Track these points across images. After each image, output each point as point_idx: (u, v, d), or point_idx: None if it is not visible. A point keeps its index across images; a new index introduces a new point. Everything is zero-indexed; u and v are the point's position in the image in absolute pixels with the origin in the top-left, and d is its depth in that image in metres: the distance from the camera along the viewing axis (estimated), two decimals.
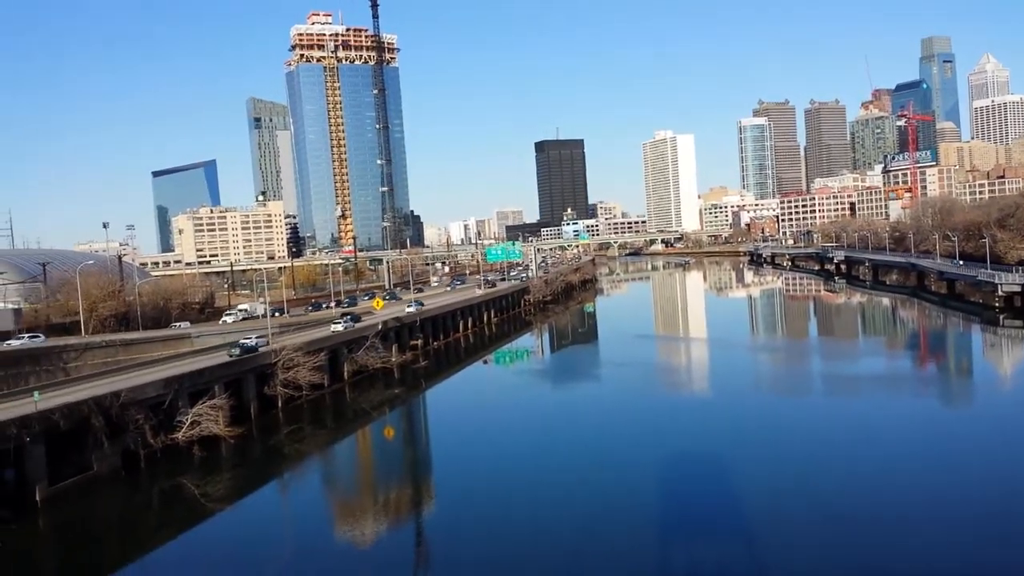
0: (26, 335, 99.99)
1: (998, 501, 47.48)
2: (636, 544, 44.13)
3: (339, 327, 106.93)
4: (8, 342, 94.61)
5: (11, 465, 54.40)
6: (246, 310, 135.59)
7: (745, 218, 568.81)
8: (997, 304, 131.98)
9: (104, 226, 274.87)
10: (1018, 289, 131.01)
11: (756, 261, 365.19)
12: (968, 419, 72.90)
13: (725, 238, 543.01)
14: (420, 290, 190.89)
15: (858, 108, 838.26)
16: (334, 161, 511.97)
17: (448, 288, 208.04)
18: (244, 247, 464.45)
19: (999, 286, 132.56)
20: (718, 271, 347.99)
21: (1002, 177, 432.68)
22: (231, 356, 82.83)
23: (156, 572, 46.42)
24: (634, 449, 64.09)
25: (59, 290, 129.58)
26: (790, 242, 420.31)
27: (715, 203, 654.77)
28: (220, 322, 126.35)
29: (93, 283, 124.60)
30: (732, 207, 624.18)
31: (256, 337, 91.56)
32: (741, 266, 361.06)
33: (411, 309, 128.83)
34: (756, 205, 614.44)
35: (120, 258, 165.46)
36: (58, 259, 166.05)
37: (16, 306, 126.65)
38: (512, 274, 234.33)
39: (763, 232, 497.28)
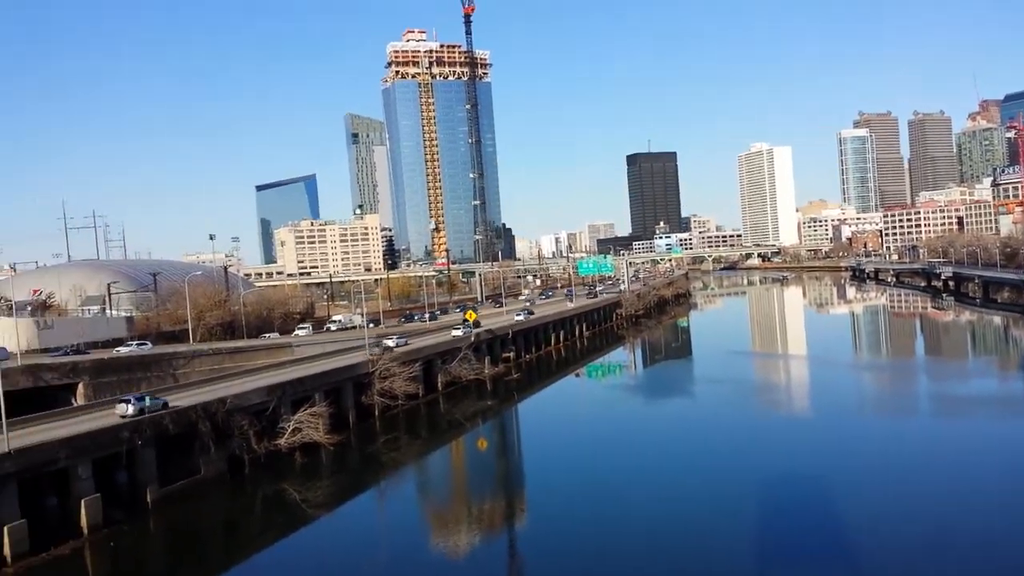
0: (134, 342, 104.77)
1: None
2: (728, 568, 43.03)
3: (458, 332, 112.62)
4: (118, 349, 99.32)
5: (124, 468, 56.98)
6: (340, 320, 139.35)
7: (846, 232, 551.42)
8: None
9: (211, 238, 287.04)
10: None
11: (858, 276, 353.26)
12: None
13: (825, 253, 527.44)
14: (498, 303, 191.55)
15: (964, 119, 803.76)
16: (428, 175, 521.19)
17: (539, 300, 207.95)
18: (342, 259, 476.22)
19: None
20: (818, 286, 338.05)
21: None
22: (372, 354, 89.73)
23: (258, 573, 47.73)
24: (728, 470, 62.54)
25: (168, 299, 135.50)
26: (894, 257, 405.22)
27: (814, 217, 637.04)
28: (324, 329, 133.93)
29: (200, 293, 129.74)
30: (832, 221, 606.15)
31: (396, 339, 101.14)
32: (842, 281, 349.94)
33: (520, 318, 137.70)
34: (858, 219, 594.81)
35: (226, 269, 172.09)
36: (168, 269, 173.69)
37: (128, 314, 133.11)
38: (599, 288, 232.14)
39: (865, 247, 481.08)
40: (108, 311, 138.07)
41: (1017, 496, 52.04)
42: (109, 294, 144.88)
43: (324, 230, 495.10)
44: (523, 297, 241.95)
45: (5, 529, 46.03)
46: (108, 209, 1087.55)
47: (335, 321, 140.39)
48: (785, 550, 45.31)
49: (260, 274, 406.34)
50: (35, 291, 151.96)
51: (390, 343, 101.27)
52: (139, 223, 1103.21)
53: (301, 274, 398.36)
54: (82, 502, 50.99)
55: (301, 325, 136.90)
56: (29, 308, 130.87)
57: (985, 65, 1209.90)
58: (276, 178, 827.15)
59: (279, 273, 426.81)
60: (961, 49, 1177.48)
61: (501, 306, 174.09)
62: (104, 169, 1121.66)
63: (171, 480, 59.66)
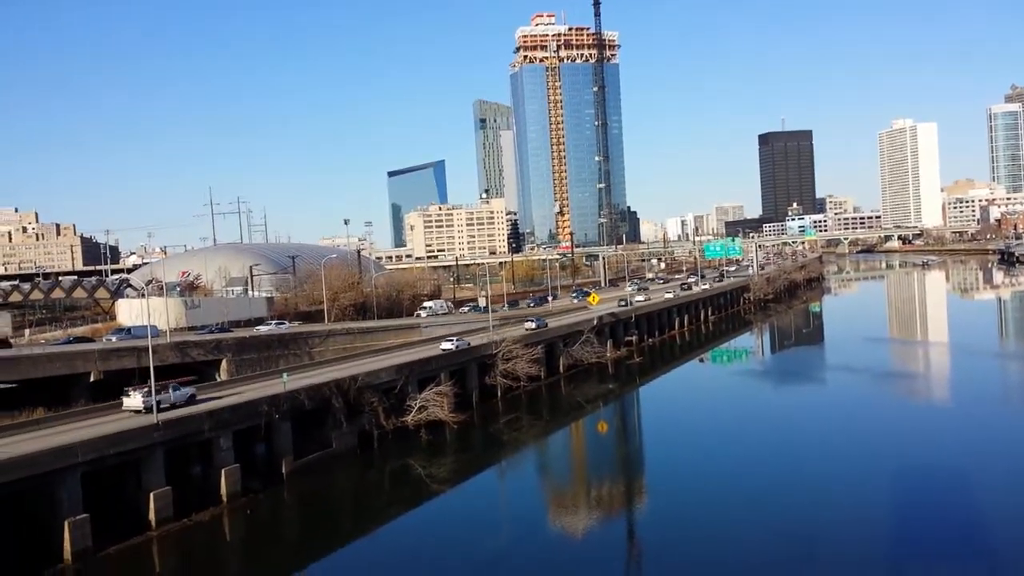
0: (274, 322, 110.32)
1: None
2: (851, 561, 41.92)
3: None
4: (258, 328, 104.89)
5: (262, 440, 60.59)
6: (431, 308, 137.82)
7: (995, 213, 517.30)
8: None
9: (345, 223, 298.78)
10: None
11: (1007, 260, 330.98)
12: None
13: (971, 235, 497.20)
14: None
15: None
16: (553, 159, 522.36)
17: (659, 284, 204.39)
18: (468, 242, 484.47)
19: None
20: (963, 270, 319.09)
21: None
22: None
23: (385, 545, 49.96)
24: (856, 460, 60.62)
25: (306, 281, 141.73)
26: None
27: (960, 197, 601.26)
28: (415, 315, 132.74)
29: (335, 275, 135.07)
30: (980, 201, 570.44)
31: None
32: (989, 265, 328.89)
33: (670, 296, 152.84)
34: (1008, 199, 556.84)
35: (359, 252, 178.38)
36: (305, 252, 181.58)
37: (269, 295, 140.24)
38: (713, 275, 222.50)
39: (1015, 228, 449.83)
40: (250, 292, 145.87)
41: None
42: (251, 276, 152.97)
43: (451, 214, 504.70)
44: (648, 278, 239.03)
45: (151, 495, 49.85)
46: (252, 195, 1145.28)
47: (425, 308, 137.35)
48: (912, 546, 43.78)
49: (390, 257, 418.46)
50: (183, 273, 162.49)
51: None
52: (280, 208, 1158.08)
53: (429, 257, 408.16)
54: (223, 471, 54.67)
55: (420, 309, 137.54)
56: (178, 288, 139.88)
57: None
58: (407, 164, 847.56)
59: (408, 256, 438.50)
60: None
61: (645, 289, 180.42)
62: (249, 157, 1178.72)
63: (305, 453, 63.00)
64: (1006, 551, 42.01)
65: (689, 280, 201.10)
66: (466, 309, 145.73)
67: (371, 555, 48.34)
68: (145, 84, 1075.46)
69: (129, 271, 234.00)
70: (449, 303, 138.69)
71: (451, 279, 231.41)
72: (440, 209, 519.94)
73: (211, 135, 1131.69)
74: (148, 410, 54.87)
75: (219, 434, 55.36)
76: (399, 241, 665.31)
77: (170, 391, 58.93)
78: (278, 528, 54.22)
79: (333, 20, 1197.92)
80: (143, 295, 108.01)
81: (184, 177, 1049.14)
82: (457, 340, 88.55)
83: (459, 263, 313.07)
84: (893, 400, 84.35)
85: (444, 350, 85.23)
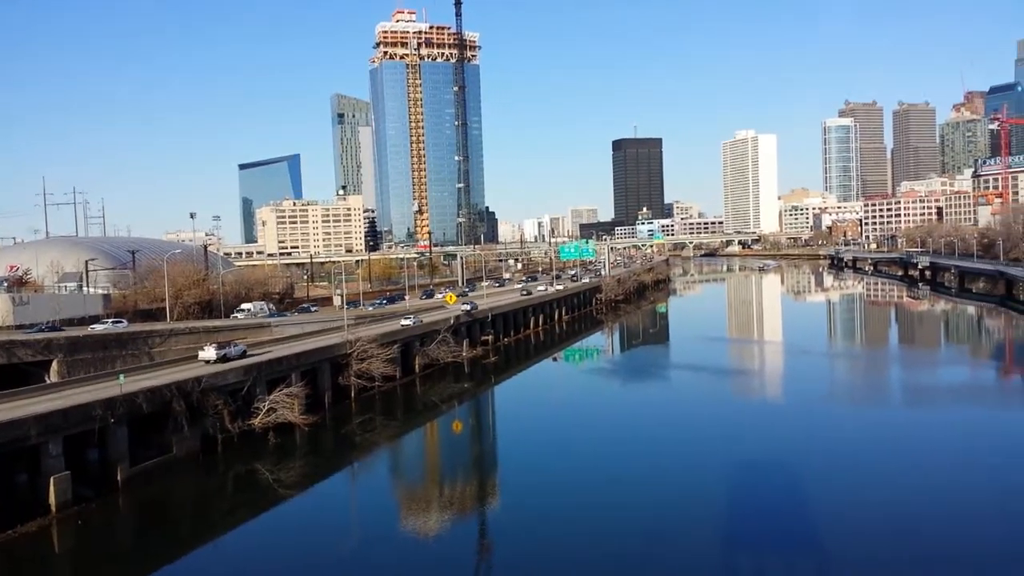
0: (110, 320, 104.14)
1: None
2: (697, 550, 43.83)
3: (466, 307, 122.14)
4: (93, 326, 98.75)
5: (95, 445, 56.95)
6: (249, 310, 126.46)
7: (827, 221, 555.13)
8: None
9: (191, 216, 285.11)
10: None
11: (837, 265, 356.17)
12: None
13: (805, 240, 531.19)
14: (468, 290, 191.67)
15: (949, 110, 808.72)
16: (413, 157, 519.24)
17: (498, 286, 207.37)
18: (324, 240, 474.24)
19: None
20: (797, 274, 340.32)
21: None
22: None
23: (229, 553, 48.03)
24: (700, 454, 63.58)
25: (147, 277, 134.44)
26: (873, 246, 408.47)
27: (795, 205, 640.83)
28: (231, 317, 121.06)
29: (179, 271, 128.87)
30: (813, 209, 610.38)
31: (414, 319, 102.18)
32: (820, 269, 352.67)
33: (543, 288, 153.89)
34: (839, 208, 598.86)
35: (205, 248, 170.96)
36: (147, 247, 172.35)
37: (106, 291, 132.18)
38: (570, 275, 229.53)
39: (845, 235, 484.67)
40: (85, 288, 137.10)
41: (977, 478, 53.19)
42: (87, 271, 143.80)
43: (306, 210, 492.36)
44: (505, 278, 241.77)
45: None
46: (89, 186, 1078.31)
47: (242, 310, 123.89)
48: (748, 534, 46.08)
49: (240, 253, 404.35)
50: (12, 267, 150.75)
51: (407, 322, 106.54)
52: (120, 201, 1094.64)
53: (282, 254, 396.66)
54: (51, 479, 51.03)
55: (240, 308, 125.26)
56: (5, 284, 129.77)
57: (972, 57, 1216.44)
58: (259, 157, 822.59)
59: (259, 253, 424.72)
60: (949, 40, 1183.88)
61: (502, 285, 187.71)
62: (86, 146, 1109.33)
63: (143, 458, 59.73)
64: (831, 538, 44.83)
65: (535, 283, 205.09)
66: (315, 309, 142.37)
67: (212, 564, 46.35)
68: None
69: None
70: (270, 304, 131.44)
71: (305, 277, 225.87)
72: (294, 204, 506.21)
73: (46, 122, 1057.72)
74: None
75: (47, 439, 51.62)
76: (250, 237, 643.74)
77: None
78: (112, 538, 51.08)
79: (185, 7, 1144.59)
80: None
81: (15, 167, 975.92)
82: (413, 319, 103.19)
83: (314, 260, 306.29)
84: (729, 397, 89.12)
85: (403, 326, 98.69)
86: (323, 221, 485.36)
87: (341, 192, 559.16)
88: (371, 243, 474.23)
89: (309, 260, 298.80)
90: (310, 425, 72.57)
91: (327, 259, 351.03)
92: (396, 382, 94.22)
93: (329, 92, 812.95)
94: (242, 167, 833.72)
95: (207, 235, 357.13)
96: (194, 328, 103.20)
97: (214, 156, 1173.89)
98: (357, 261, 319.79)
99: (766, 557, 42.53)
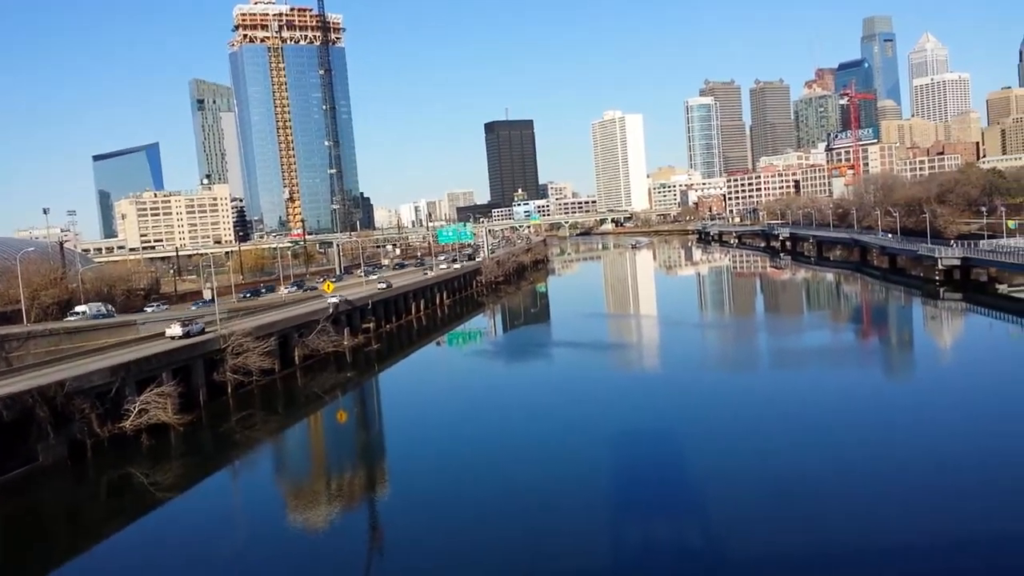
0: None
1: (932, 468, 49.26)
2: (591, 524, 44.61)
3: (335, 300, 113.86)
4: None
5: None
6: (84, 312, 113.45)
7: (693, 197, 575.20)
8: (937, 278, 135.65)
9: (44, 212, 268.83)
10: (957, 263, 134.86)
11: (704, 239, 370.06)
12: (907, 389, 75.24)
13: (674, 217, 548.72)
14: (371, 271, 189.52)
15: (802, 87, 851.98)
16: (280, 143, 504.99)
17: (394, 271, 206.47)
18: (190, 232, 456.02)
19: (939, 260, 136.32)
20: (667, 249, 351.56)
21: (941, 154, 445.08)
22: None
23: (105, 563, 45.70)
24: (586, 428, 64.72)
25: None
26: (737, 220, 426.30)
27: (663, 182, 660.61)
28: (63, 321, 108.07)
29: (34, 271, 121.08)
30: (680, 186, 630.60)
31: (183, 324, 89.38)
32: (690, 244, 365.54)
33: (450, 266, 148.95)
34: (704, 184, 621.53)
35: (61, 244, 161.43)
36: None
37: None
38: (441, 258, 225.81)
39: (711, 210, 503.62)
40: None
41: (843, 434, 56.53)
42: None
43: (169, 201, 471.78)
44: (384, 264, 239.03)
45: None
46: None
47: (76, 313, 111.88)
48: (642, 504, 47.37)
49: (100, 249, 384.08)
50: None
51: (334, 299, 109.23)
52: None
53: (145, 248, 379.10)
54: None
55: (74, 311, 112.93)
56: None
57: (820, 34, 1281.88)
58: (115, 147, 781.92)
59: (121, 248, 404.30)
60: (799, 19, 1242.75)
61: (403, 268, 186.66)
62: None
63: (6, 469, 55.98)
64: (715, 501, 46.66)
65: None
66: (164, 307, 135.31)
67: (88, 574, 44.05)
68: None
69: None
70: (108, 305, 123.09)
71: (171, 271, 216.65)
72: (156, 196, 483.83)
73: None
74: None
75: None
76: (109, 232, 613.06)
77: None
78: None
79: None
80: None
81: None
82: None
83: (180, 254, 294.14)
84: (610, 369, 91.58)
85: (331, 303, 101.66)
86: (188, 212, 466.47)
87: (205, 181, 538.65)
88: (241, 233, 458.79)
89: (175, 253, 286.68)
90: (185, 425, 69.79)
91: (194, 252, 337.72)
92: (275, 375, 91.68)
93: (187, 77, 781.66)
94: (96, 158, 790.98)
95: (62, 231, 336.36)
96: (54, 330, 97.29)
97: (64, 148, 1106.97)
98: (227, 253, 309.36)
99: (654, 519, 43.85)
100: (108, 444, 64.12)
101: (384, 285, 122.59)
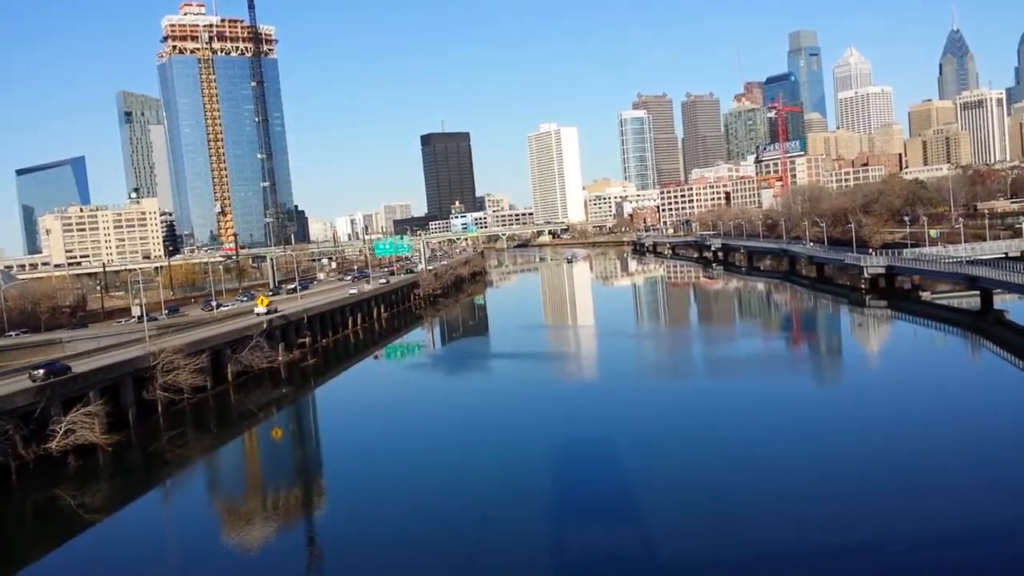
0: None
1: (859, 468, 50.81)
2: (532, 534, 44.76)
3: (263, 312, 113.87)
4: None
5: None
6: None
7: (628, 209, 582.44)
8: (863, 286, 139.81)
9: None
10: (882, 271, 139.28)
11: (639, 250, 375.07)
12: (835, 394, 77.46)
13: (609, 228, 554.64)
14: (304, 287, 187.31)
15: (731, 101, 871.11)
16: (211, 156, 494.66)
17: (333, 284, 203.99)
18: (117, 247, 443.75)
19: (864, 269, 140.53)
20: (604, 260, 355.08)
21: (866, 165, 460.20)
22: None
23: None
24: (526, 440, 64.90)
25: None
26: (670, 231, 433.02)
27: (599, 194, 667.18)
28: None
29: None
30: (615, 198, 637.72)
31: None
32: (625, 255, 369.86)
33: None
34: (638, 196, 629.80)
35: None
36: None
37: None
38: (374, 274, 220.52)
39: (645, 222, 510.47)
40: None
41: (774, 440, 57.93)
42: None
43: (95, 216, 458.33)
44: (320, 279, 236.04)
45: None
46: None
47: None
48: (582, 512, 47.71)
49: (24, 265, 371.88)
50: None
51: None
52: None
53: (71, 264, 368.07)
54: None
55: None
56: None
57: (748, 48, 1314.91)
58: (39, 161, 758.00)
59: (45, 264, 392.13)
60: (727, 31, 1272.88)
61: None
62: None
63: None
64: (653, 507, 47.30)
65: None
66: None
67: None
68: None
69: None
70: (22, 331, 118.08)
71: (98, 287, 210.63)
72: (82, 210, 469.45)
73: None
74: None
75: None
76: (33, 247, 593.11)
77: None
78: None
79: None
80: None
81: None
82: None
83: (107, 270, 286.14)
84: (548, 379, 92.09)
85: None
86: (115, 227, 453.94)
87: (134, 195, 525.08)
88: (171, 248, 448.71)
89: (102, 269, 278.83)
90: (114, 445, 67.87)
91: (122, 267, 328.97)
92: (208, 392, 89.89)
93: (114, 89, 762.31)
94: (19, 172, 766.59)
95: None
96: None
97: None
98: (156, 268, 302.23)
99: (592, 529, 44.25)
100: (34, 466, 62.08)
101: (355, 291, 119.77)
